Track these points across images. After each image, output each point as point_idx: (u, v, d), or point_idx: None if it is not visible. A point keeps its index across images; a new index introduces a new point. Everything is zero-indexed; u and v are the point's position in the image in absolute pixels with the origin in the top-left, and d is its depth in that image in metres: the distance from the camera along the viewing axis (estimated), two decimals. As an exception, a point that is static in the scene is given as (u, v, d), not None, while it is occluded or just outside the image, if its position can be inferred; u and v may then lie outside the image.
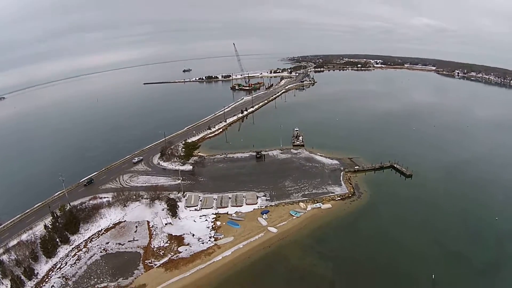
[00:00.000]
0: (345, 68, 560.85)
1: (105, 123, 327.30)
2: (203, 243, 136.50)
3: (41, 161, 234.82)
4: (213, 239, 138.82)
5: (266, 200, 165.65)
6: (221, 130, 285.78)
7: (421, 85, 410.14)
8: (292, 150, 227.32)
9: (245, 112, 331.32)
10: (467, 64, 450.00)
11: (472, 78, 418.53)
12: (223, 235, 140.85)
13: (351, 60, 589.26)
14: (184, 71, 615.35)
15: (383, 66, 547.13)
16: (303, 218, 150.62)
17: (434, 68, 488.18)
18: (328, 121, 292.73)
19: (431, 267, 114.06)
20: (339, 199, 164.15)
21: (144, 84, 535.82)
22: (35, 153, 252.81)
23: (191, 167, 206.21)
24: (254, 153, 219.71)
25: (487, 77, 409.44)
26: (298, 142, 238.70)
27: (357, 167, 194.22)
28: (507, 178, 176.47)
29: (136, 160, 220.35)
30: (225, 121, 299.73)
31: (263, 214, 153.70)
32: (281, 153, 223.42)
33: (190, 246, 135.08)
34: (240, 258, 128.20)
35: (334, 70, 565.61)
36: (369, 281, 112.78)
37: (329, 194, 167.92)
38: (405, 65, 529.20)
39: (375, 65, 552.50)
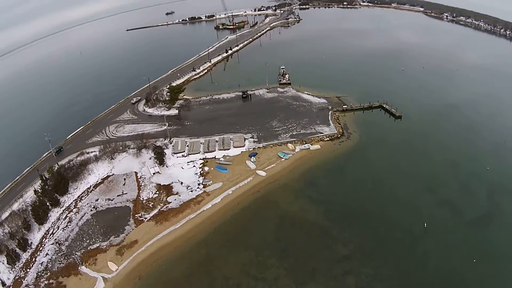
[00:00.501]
0: (330, 6, 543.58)
1: (89, 75, 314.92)
2: (192, 191, 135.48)
3: (26, 123, 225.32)
4: (202, 186, 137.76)
5: (254, 142, 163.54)
6: (206, 71, 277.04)
7: (409, 25, 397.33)
8: (278, 88, 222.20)
9: (230, 52, 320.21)
10: (456, 8, 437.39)
11: (461, 23, 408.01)
12: (211, 181, 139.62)
13: None
14: (167, 13, 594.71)
15: (369, 4, 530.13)
16: (292, 160, 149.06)
17: (422, 9, 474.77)
18: (315, 60, 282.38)
19: (423, 216, 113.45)
20: (328, 140, 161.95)
21: (127, 30, 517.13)
22: (19, 116, 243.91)
23: (176, 111, 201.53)
24: (240, 93, 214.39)
25: (476, 23, 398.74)
26: (284, 80, 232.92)
27: (346, 106, 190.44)
28: (497, 124, 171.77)
29: (134, 100, 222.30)
30: (210, 62, 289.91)
31: (251, 157, 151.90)
32: (267, 92, 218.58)
33: (179, 195, 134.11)
34: (229, 205, 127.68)
35: (319, 8, 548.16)
36: (360, 228, 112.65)
37: (317, 134, 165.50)
38: (392, 4, 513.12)
39: (361, 3, 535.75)
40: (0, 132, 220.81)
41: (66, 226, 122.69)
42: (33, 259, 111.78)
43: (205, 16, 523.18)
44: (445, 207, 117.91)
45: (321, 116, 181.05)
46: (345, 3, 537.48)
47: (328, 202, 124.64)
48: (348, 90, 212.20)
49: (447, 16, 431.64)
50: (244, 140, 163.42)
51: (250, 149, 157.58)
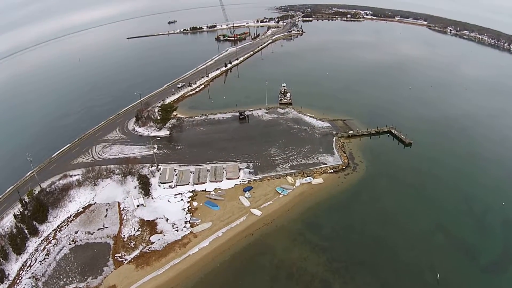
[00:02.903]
0: (334, 19, 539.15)
1: (84, 85, 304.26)
2: (177, 231, 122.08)
3: (11, 135, 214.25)
4: (189, 225, 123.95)
5: (249, 173, 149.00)
6: (202, 86, 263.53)
7: (413, 39, 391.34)
8: (279, 109, 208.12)
9: (229, 65, 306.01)
10: (459, 22, 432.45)
11: (465, 37, 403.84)
12: (200, 220, 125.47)
13: (340, 10, 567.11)
14: (169, 22, 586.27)
15: (373, 17, 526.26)
16: (291, 197, 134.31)
17: (425, 23, 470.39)
18: (318, 76, 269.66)
19: (435, 262, 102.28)
20: (332, 172, 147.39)
21: (128, 38, 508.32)
22: (4, 128, 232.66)
23: (168, 132, 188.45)
24: (237, 114, 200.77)
25: (480, 37, 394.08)
26: (285, 100, 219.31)
27: (351, 131, 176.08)
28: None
29: (180, 85, 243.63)
30: (207, 76, 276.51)
31: (245, 191, 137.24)
32: (266, 113, 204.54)
33: (164, 235, 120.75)
34: (219, 250, 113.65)
35: (322, 20, 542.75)
36: (366, 280, 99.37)
37: (320, 165, 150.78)
38: (396, 17, 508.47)
39: (365, 16, 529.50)
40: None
41: (44, 259, 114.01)
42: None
43: (207, 26, 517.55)
44: (459, 250, 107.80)
45: (324, 143, 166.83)
46: (348, 16, 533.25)
47: (330, 248, 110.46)
48: (354, 112, 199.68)
49: (450, 30, 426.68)
50: (239, 171, 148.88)
51: (245, 182, 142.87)
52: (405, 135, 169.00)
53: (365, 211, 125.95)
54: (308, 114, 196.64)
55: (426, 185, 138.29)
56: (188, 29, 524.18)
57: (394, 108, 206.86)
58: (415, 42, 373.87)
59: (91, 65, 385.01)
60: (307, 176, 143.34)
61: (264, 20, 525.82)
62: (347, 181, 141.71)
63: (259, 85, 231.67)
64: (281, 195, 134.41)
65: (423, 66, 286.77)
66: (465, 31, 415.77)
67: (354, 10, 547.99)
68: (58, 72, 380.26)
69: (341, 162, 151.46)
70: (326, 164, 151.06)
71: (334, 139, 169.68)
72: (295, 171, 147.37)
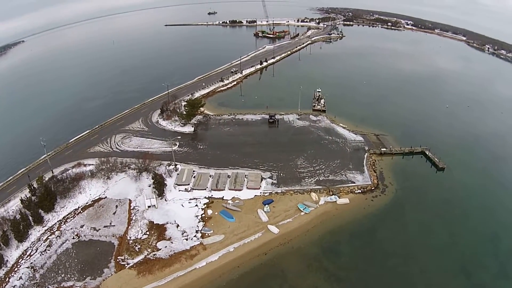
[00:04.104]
0: (375, 25, 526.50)
1: (114, 68, 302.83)
2: (186, 240, 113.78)
3: (35, 114, 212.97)
4: (200, 234, 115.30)
5: (272, 184, 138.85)
6: (235, 83, 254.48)
7: (453, 54, 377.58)
8: (311, 116, 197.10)
9: (264, 64, 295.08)
10: (497, 40, 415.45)
11: (502, 56, 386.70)
12: (212, 231, 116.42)
13: (381, 17, 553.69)
14: (209, 13, 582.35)
15: (413, 28, 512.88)
16: (313, 216, 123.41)
17: (464, 38, 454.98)
18: (354, 83, 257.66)
19: None
20: (359, 192, 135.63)
21: (166, 25, 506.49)
22: (31, 105, 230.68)
23: (192, 129, 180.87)
24: (267, 116, 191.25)
25: None
26: (319, 107, 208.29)
27: (384, 149, 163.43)
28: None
29: (234, 69, 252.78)
30: (241, 73, 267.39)
31: (265, 204, 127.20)
32: (298, 119, 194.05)
33: (172, 242, 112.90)
34: (228, 267, 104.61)
35: (363, 26, 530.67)
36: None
37: (348, 184, 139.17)
38: (436, 30, 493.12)
39: (405, 26, 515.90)
40: (6, 124, 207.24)
41: (45, 250, 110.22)
42: (7, 279, 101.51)
43: (246, 20, 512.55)
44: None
45: (355, 159, 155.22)
46: (389, 24, 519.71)
47: (346, 280, 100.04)
48: (388, 126, 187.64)
49: (488, 48, 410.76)
50: (261, 180, 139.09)
51: (266, 194, 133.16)
52: (438, 159, 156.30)
53: (389, 242, 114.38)
54: (341, 125, 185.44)
55: (454, 217, 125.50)
56: (228, 21, 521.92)
57: (429, 125, 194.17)
58: (453, 57, 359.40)
59: (124, 49, 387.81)
60: (333, 194, 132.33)
61: (305, 20, 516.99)
62: (374, 205, 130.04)
63: (294, 88, 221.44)
64: (302, 213, 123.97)
65: (460, 82, 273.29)
66: (503, 50, 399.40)
67: (395, 19, 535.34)
68: (92, 51, 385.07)
69: (370, 183, 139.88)
70: (354, 182, 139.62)
71: (365, 156, 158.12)
72: (321, 187, 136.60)
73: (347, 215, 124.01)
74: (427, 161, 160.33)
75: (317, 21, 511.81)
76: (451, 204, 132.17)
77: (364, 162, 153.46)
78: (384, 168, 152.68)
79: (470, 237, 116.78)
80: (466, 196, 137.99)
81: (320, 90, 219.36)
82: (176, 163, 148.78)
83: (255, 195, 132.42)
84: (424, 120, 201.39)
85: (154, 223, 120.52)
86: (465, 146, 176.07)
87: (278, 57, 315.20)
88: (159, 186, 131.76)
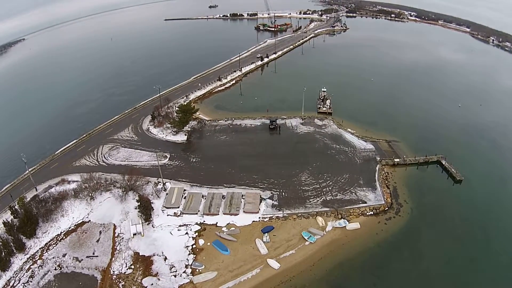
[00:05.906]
0: (378, 16, 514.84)
1: (111, 69, 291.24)
2: (175, 276, 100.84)
3: (21, 126, 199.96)
4: (190, 270, 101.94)
5: (273, 206, 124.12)
6: (234, 82, 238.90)
7: (458, 46, 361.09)
8: (316, 120, 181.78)
9: (266, 60, 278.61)
10: (501, 32, 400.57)
11: (507, 48, 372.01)
12: (203, 266, 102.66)
13: (384, 8, 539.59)
14: (210, 7, 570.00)
15: (417, 19, 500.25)
16: (319, 246, 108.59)
17: (468, 29, 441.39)
18: (362, 81, 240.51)
19: None
20: (371, 214, 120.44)
21: (165, 20, 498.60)
22: (21, 108, 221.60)
23: (185, 137, 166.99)
24: (268, 121, 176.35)
25: None
26: (324, 109, 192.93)
27: (398, 160, 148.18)
28: None
29: (259, 55, 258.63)
30: (241, 70, 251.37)
31: (264, 232, 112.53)
32: (301, 123, 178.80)
33: (158, 279, 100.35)
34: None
35: (367, 17, 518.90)
36: None
37: (358, 204, 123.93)
38: (439, 21, 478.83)
39: (409, 17, 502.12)
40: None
41: (28, 281, 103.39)
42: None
43: (248, 14, 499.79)
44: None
45: (366, 173, 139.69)
46: (392, 15, 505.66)
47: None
48: (400, 131, 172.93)
49: (493, 40, 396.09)
50: (260, 202, 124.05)
51: (266, 219, 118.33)
52: (455, 169, 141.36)
53: (404, 274, 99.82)
54: (349, 130, 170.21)
55: (471, 240, 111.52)
56: (228, 15, 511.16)
57: (442, 127, 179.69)
58: (460, 50, 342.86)
59: (122, 47, 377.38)
60: (342, 218, 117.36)
61: (307, 12, 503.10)
62: (388, 229, 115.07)
63: (297, 87, 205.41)
64: (307, 243, 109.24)
65: (468, 74, 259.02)
66: (507, 42, 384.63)
67: (398, 10, 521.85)
68: (89, 50, 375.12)
69: (383, 202, 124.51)
70: (365, 202, 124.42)
71: (377, 168, 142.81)
72: (328, 209, 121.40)
73: (358, 244, 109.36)
74: (443, 171, 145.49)
75: (320, 13, 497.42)
76: (469, 222, 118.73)
77: (376, 176, 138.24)
78: (397, 181, 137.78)
79: (486, 260, 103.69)
80: (484, 210, 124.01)
81: (325, 89, 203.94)
82: (165, 180, 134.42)
83: (253, 221, 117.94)
84: (436, 121, 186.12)
85: (140, 254, 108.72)
86: (481, 153, 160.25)
87: (280, 52, 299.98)
88: (146, 210, 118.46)
